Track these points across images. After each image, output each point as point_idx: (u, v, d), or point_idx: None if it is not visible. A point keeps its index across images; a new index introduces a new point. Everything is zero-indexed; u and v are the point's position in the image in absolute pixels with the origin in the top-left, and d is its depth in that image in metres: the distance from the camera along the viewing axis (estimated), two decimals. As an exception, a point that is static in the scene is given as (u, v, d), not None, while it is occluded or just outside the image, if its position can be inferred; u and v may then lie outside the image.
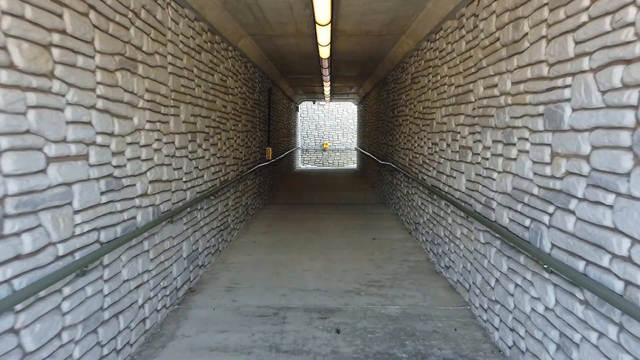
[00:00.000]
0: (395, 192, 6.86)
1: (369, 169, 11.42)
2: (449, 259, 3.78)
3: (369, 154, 10.76)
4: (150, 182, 2.83)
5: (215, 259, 4.44)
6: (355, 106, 17.64)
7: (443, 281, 3.79)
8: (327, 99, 13.81)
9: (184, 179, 3.47)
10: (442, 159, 4.05)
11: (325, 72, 7.81)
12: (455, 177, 3.63)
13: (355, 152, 18.19)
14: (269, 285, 3.69)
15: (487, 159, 2.89)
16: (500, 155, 2.67)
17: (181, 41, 3.42)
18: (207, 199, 4.15)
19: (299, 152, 17.71)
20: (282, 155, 10.64)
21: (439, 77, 4.23)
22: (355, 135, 18.19)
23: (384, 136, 8.29)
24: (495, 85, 2.77)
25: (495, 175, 2.76)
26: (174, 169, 3.27)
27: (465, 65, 3.40)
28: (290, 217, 6.63)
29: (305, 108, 18.31)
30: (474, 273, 3.14)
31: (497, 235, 2.71)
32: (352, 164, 18.55)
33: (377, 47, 6.07)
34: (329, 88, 10.77)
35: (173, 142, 3.25)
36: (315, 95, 13.63)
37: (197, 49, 3.85)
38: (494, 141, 2.79)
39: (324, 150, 18.52)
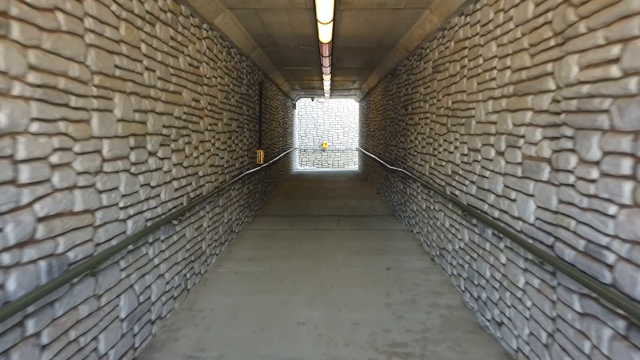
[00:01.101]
0: (409, 204, 5.77)
1: (373, 172, 10.32)
2: (502, 312, 2.69)
3: (374, 156, 9.66)
4: (43, 219, 1.72)
5: (181, 303, 3.33)
6: (357, 103, 16.54)
7: (494, 345, 2.70)
8: (327, 95, 12.71)
9: (121, 204, 2.36)
10: (489, 172, 2.95)
11: (326, 62, 6.69)
12: (515, 201, 2.53)
13: (357, 152, 17.10)
14: (248, 354, 2.59)
15: (593, 180, 1.79)
16: (630, 177, 1.57)
17: (115, 1, 2.31)
18: (166, 226, 3.04)
19: (297, 152, 16.60)
20: (277, 158, 9.54)
21: (480, 61, 3.13)
22: (357, 135, 17.09)
23: (393, 137, 7.19)
24: (615, 61, 1.67)
25: (613, 210, 1.66)
26: (100, 192, 2.16)
27: (536, 37, 2.29)
28: (283, 235, 5.52)
29: (304, 106, 17.19)
30: (560, 354, 2.04)
31: (619, 311, 1.62)
32: (354, 165, 17.45)
33: (390, 28, 4.96)
34: (329, 83, 9.66)
35: (98, 151, 2.14)
36: (313, 91, 12.52)
37: (149, 18, 2.73)
38: (608, 153, 1.69)
39: (324, 150, 17.42)
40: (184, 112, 3.40)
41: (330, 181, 11.52)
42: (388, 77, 7.74)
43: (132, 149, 2.50)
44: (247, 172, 5.91)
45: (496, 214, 2.81)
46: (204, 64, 3.94)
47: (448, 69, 3.97)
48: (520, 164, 2.47)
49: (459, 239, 3.58)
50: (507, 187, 2.64)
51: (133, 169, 2.52)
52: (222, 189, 4.45)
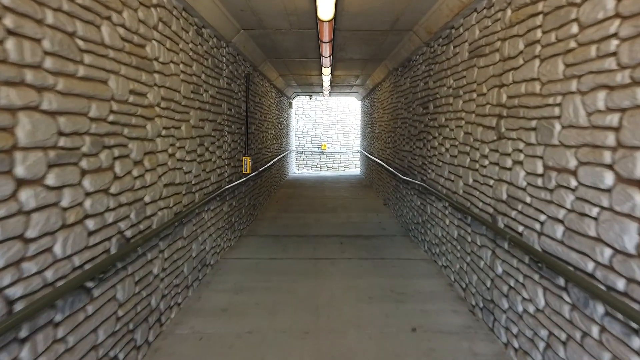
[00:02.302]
0: (430, 227, 4.61)
1: (379, 179, 9.16)
2: None
3: (380, 161, 8.49)
4: None
5: (104, 406, 2.16)
6: (359, 102, 15.39)
7: None
8: (326, 92, 11.54)
9: None
10: (598, 209, 1.78)
11: (326, 50, 5.52)
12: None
13: (359, 154, 15.95)
14: None
15: None
16: None
17: None
18: (69, 297, 1.87)
19: (293, 155, 15.43)
20: (271, 163, 8.36)
21: (574, 29, 1.97)
22: (359, 136, 15.93)
23: (406, 141, 6.03)
24: None
25: None
26: None
27: None
28: (272, 267, 4.35)
29: (301, 104, 16.02)
30: None
31: None
32: (355, 168, 16.29)
33: (409, 1, 3.79)
34: (329, 78, 8.48)
35: None
36: (311, 88, 11.34)
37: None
38: None
39: (323, 152, 16.26)
40: (112, 111, 2.23)
41: (330, 188, 10.35)
42: (399, 70, 6.57)
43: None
44: (230, 185, 4.73)
45: (619, 283, 1.65)
46: (153, 42, 2.76)
47: (499, 50, 2.81)
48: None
49: (527, 300, 2.42)
50: (654, 243, 1.47)
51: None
52: (188, 213, 3.28)
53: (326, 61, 6.33)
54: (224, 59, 4.69)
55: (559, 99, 2.09)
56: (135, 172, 2.49)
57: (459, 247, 3.63)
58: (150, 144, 2.71)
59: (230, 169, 4.98)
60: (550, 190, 2.16)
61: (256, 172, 6.56)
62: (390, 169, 6.95)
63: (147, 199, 2.66)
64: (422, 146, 4.99)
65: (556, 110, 2.12)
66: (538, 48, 2.30)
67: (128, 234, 2.41)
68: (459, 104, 3.63)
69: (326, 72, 7.46)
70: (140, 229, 2.57)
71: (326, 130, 16.21)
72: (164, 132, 2.93)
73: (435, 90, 4.42)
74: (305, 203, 8.20)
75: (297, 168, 16.18)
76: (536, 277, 2.31)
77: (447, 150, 3.98)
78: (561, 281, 2.07)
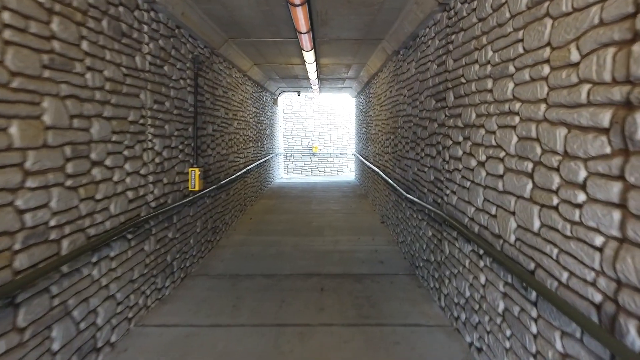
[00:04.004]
0: (450, 275, 3.11)
1: (375, 189, 7.66)
2: None
3: (376, 169, 6.99)
4: None
5: None
6: (353, 99, 13.94)
7: None
8: (315, 87, 10.04)
9: None
10: None
11: (301, 20, 4.01)
12: None
13: (354, 157, 14.50)
14: None
15: None
16: None
17: None
18: None
19: (280, 158, 13.92)
20: (243, 171, 6.86)
21: None
22: (354, 137, 14.46)
23: (409, 147, 4.53)
24: None
25: None
26: None
27: None
28: (206, 350, 2.85)
29: (289, 102, 14.51)
30: None
31: None
32: (349, 172, 14.80)
33: None
34: (314, 67, 6.97)
35: None
36: (297, 82, 9.83)
37: None
38: None
39: (314, 155, 14.75)
40: None
41: (318, 199, 8.83)
42: (400, 54, 5.08)
43: None
44: (161, 211, 3.22)
45: None
46: None
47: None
48: None
49: None
50: None
51: None
52: (34, 279, 1.77)
53: (306, 41, 4.82)
54: (145, 27, 3.18)
55: None
56: None
57: (509, 331, 2.14)
58: None
59: (161, 187, 3.46)
60: None
61: (216, 185, 5.04)
62: (390, 180, 5.45)
63: None
64: (436, 154, 3.50)
65: None
66: None
67: None
68: (508, 89, 2.14)
69: (309, 58, 5.96)
70: None
71: (317, 131, 14.70)
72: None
73: (458, 73, 2.93)
74: (285, 221, 6.69)
75: (286, 172, 14.67)
76: None
77: (481, 164, 2.49)
78: None
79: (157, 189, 3.38)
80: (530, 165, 1.92)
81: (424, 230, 3.88)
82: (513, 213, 2.08)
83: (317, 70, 7.54)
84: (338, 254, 4.90)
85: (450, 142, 3.10)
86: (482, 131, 2.48)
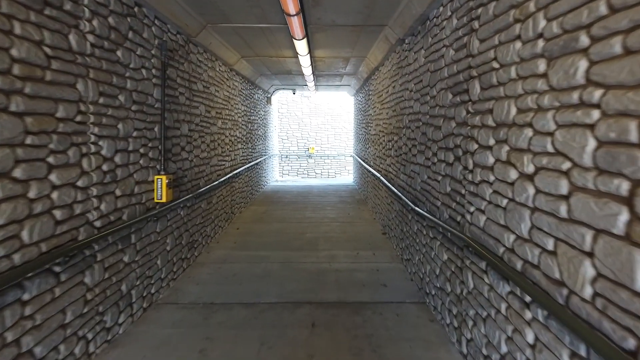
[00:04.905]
0: (474, 315, 2.43)
1: (375, 195, 6.98)
2: None
3: (377, 174, 6.31)
4: None
5: None
6: (352, 98, 13.28)
7: None
8: (311, 84, 9.35)
9: None
10: None
11: (290, 3, 3.33)
12: None
13: (352, 159, 13.84)
14: None
15: None
16: None
17: None
18: None
19: (275, 160, 13.22)
20: (230, 176, 6.17)
21: None
22: (352, 138, 13.79)
23: (416, 150, 3.85)
24: None
25: None
26: None
27: None
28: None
29: (285, 101, 13.82)
30: None
31: None
32: (348, 175, 14.12)
33: None
34: (308, 61, 6.29)
35: None
36: (292, 78, 9.14)
37: None
38: None
39: (310, 156, 14.06)
40: None
41: (313, 205, 8.14)
42: (406, 42, 4.40)
43: None
44: (111, 230, 2.53)
45: None
46: None
47: None
48: None
49: None
50: None
51: None
52: None
53: (296, 26, 4.13)
54: (94, 3, 2.49)
55: None
56: None
57: None
58: None
59: (111, 201, 2.77)
60: None
61: (193, 194, 4.35)
62: (393, 188, 4.77)
63: None
64: (453, 160, 2.81)
65: None
66: None
67: None
68: (578, 71, 1.46)
69: (302, 49, 5.27)
70: None
71: (314, 131, 14.01)
72: None
73: (488, 56, 2.25)
74: (275, 231, 6.00)
75: (281, 175, 13.98)
76: None
77: (527, 177, 1.80)
78: None
79: (105, 203, 2.69)
80: (625, 186, 1.23)
81: (437, 251, 3.20)
82: (590, 254, 1.39)
83: (311, 64, 6.86)
84: (334, 273, 4.21)
85: (476, 146, 2.42)
86: (529, 132, 1.80)
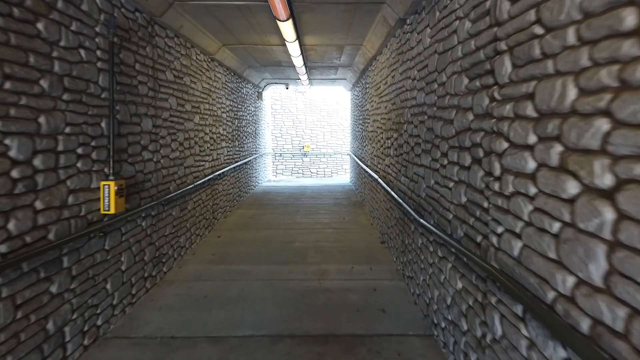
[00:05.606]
0: (500, 359, 1.80)
1: (372, 198, 6.34)
2: None
3: (375, 175, 5.67)
4: None
5: None
6: (349, 93, 12.65)
7: None
8: (304, 78, 8.69)
9: None
10: None
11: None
12: None
13: (349, 157, 13.21)
14: None
15: None
16: None
17: None
18: None
19: (268, 158, 12.57)
20: (209, 177, 5.53)
21: None
22: (349, 135, 13.16)
23: (420, 150, 3.20)
24: None
25: None
26: None
27: None
28: None
29: (278, 97, 13.16)
30: None
31: None
32: (344, 174, 13.49)
33: None
34: (297, 48, 5.64)
35: None
36: (283, 71, 8.48)
37: None
38: None
39: (305, 154, 13.42)
40: None
41: (306, 208, 7.50)
42: (407, 22, 3.76)
43: None
44: (23, 257, 1.89)
45: None
46: None
47: None
48: None
49: None
50: None
51: None
52: None
53: (278, 2, 3.48)
54: (-23, -55, 1.83)
55: None
56: None
57: None
58: None
59: (28, 218, 2.13)
60: None
61: (158, 200, 3.71)
62: (392, 192, 4.13)
63: None
64: (470, 163, 2.18)
65: None
66: None
67: None
68: None
69: (288, 34, 4.62)
70: None
71: (310, 128, 13.36)
72: None
73: (526, 20, 1.60)
74: (261, 240, 5.36)
75: (275, 174, 13.33)
76: None
77: (598, 192, 1.17)
78: None
79: (16, 221, 2.05)
80: None
81: (448, 276, 2.56)
82: None
83: (302, 54, 6.20)
84: (323, 294, 3.58)
85: (505, 145, 1.78)
86: (603, 123, 1.17)
